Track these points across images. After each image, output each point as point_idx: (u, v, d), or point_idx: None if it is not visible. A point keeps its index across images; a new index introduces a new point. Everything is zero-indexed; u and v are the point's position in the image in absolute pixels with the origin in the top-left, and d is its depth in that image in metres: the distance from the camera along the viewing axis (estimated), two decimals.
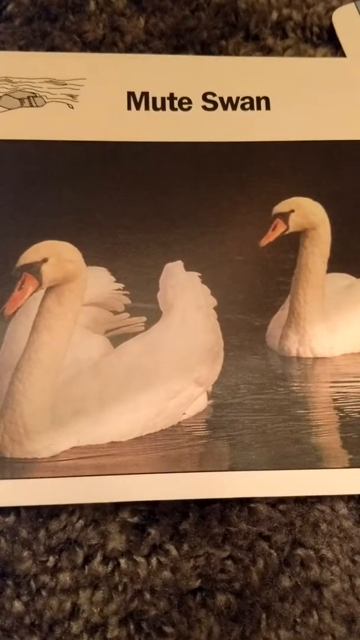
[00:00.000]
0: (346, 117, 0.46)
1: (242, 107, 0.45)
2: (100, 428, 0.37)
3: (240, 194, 0.44)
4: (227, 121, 0.45)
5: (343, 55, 0.49)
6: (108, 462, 0.36)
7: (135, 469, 0.36)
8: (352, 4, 0.50)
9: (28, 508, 0.36)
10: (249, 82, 0.46)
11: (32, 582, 0.35)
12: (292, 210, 0.43)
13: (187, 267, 0.41)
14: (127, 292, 0.41)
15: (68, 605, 0.35)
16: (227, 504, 0.37)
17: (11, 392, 0.37)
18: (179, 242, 0.42)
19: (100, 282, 0.41)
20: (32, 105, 0.44)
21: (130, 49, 0.48)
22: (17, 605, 0.35)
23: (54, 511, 0.36)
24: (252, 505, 0.37)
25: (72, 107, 0.44)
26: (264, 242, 0.43)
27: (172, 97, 0.45)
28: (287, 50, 0.49)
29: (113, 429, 0.37)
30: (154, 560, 0.36)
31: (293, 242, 0.43)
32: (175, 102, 0.45)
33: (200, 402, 0.39)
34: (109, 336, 0.40)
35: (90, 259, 0.40)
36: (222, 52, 0.48)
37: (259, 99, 0.46)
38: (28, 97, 0.44)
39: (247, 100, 0.46)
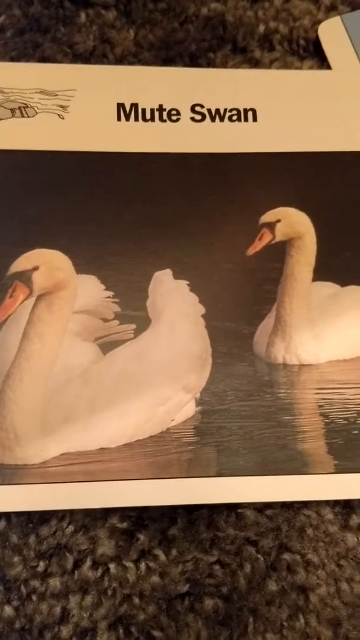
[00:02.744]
0: (332, 128, 0.47)
1: (230, 118, 0.46)
2: (90, 434, 0.38)
3: (227, 204, 0.44)
4: (215, 132, 0.46)
5: (329, 67, 0.49)
6: (97, 468, 0.37)
7: (125, 475, 0.37)
8: (338, 17, 0.51)
9: (18, 514, 0.37)
10: (237, 94, 0.47)
11: (22, 587, 0.35)
12: (279, 220, 0.44)
13: (176, 276, 0.42)
14: (117, 300, 0.41)
15: (58, 609, 0.35)
16: (214, 509, 0.37)
17: (1, 399, 0.37)
18: (168, 251, 0.43)
19: (90, 290, 0.41)
20: (23, 116, 0.44)
21: (120, 60, 0.48)
22: (8, 610, 0.35)
23: (44, 517, 0.37)
24: (239, 510, 0.37)
25: (63, 118, 0.45)
26: (251, 251, 0.43)
27: (161, 109, 0.46)
28: (274, 62, 0.49)
29: (102, 436, 0.38)
30: (142, 565, 0.36)
31: (279, 251, 0.44)
32: (164, 114, 0.46)
33: (188, 409, 0.40)
34: (99, 343, 0.41)
35: (81, 267, 0.40)
36: (210, 64, 0.49)
37: (246, 111, 0.46)
38: (19, 108, 0.45)
39: (234, 111, 0.46)
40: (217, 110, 0.46)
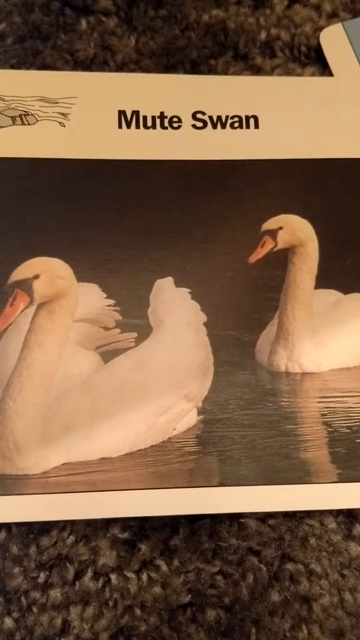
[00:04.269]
0: (334, 135, 0.46)
1: (232, 125, 0.46)
2: (91, 444, 0.37)
3: (229, 212, 0.44)
4: (216, 140, 0.45)
5: (330, 74, 0.49)
6: (99, 478, 0.37)
7: (126, 485, 0.36)
8: (339, 24, 0.51)
9: (19, 524, 0.36)
10: (238, 101, 0.47)
11: (22, 599, 0.35)
12: (281, 228, 0.43)
13: (177, 284, 0.42)
14: (118, 308, 0.41)
15: (59, 621, 0.35)
16: (217, 519, 0.37)
17: (2, 408, 0.37)
18: (169, 259, 0.42)
19: (91, 298, 0.41)
20: (23, 124, 0.44)
21: (121, 67, 0.48)
22: (8, 622, 0.35)
23: (45, 527, 0.36)
24: (241, 520, 0.37)
25: (64, 125, 0.45)
26: (253, 258, 0.43)
27: (162, 116, 0.46)
28: (276, 69, 0.49)
29: (104, 445, 0.38)
30: (144, 576, 0.36)
31: (281, 259, 0.44)
32: (166, 121, 0.46)
33: (190, 418, 0.39)
34: (100, 352, 0.41)
35: (82, 276, 0.40)
36: (212, 71, 0.49)
37: (247, 118, 0.46)
38: (20, 115, 0.44)
39: (236, 119, 0.46)
40: (219, 118, 0.46)
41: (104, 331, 0.41)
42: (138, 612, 0.35)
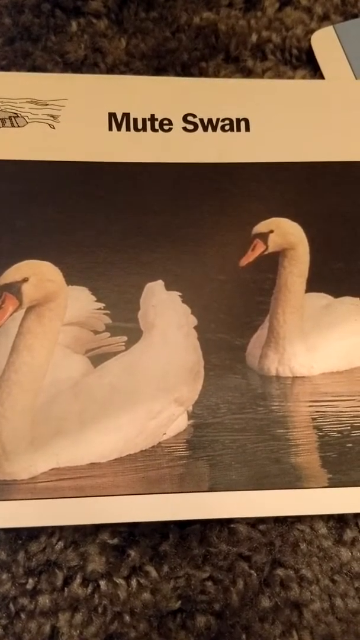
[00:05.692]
0: (325, 138, 0.46)
1: (222, 128, 0.46)
2: (80, 449, 0.37)
3: (220, 215, 0.44)
4: (207, 142, 0.45)
5: (322, 77, 0.49)
6: (88, 483, 0.36)
7: (115, 490, 0.36)
8: (331, 27, 0.51)
9: (7, 530, 0.36)
10: (229, 103, 0.47)
11: (11, 605, 0.35)
12: (271, 231, 0.43)
13: (168, 287, 0.42)
14: (108, 312, 0.41)
15: (47, 628, 0.34)
16: (207, 524, 0.37)
17: None
18: (160, 262, 0.42)
19: (81, 301, 0.41)
20: (13, 126, 0.44)
21: (111, 70, 0.48)
22: None
23: (34, 533, 0.36)
24: (232, 525, 0.37)
25: (54, 128, 0.44)
26: (244, 262, 0.43)
27: (153, 118, 0.46)
28: (267, 72, 0.49)
29: (93, 450, 0.37)
30: (133, 582, 0.35)
31: (272, 262, 0.44)
32: (156, 123, 0.45)
33: (180, 422, 0.39)
34: (90, 356, 0.40)
35: (71, 279, 0.40)
36: (203, 73, 0.49)
37: (238, 121, 0.46)
38: (10, 117, 0.44)
39: (227, 121, 0.46)
40: (210, 120, 0.46)
41: (93, 335, 0.41)
42: (127, 618, 0.35)
